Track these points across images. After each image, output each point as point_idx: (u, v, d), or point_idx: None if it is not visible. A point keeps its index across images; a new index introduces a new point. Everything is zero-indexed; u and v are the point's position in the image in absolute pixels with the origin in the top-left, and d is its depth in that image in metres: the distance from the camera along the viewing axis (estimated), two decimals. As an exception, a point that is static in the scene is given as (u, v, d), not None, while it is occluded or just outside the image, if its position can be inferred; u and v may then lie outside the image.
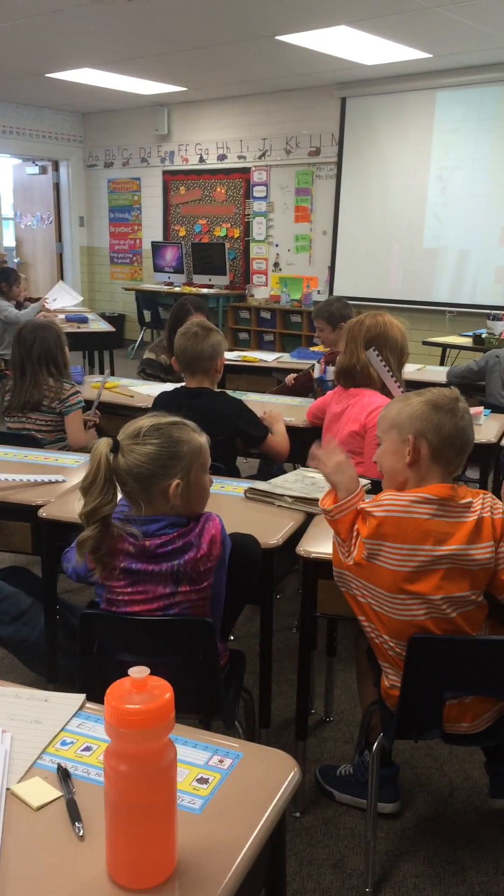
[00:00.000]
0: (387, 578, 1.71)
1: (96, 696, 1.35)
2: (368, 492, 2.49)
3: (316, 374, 3.75)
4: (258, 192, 8.88)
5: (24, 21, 5.79)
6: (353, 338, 2.79)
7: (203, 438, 1.77)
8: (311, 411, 3.24)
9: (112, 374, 4.66)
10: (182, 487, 1.68)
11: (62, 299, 6.91)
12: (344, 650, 2.85)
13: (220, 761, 1.19)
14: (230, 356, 4.70)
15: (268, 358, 4.95)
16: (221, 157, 9.09)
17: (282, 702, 2.60)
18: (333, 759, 2.37)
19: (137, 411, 3.62)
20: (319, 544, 2.06)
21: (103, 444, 1.66)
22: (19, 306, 6.13)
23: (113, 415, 3.82)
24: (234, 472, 2.98)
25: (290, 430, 3.47)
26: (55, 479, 2.50)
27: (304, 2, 5.22)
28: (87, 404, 3.48)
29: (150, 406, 3.32)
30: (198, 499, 1.76)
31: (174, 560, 1.67)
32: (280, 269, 8.90)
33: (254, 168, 8.84)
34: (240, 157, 8.93)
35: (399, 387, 2.77)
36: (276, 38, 6.09)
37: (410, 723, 1.78)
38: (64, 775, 1.14)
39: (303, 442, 3.49)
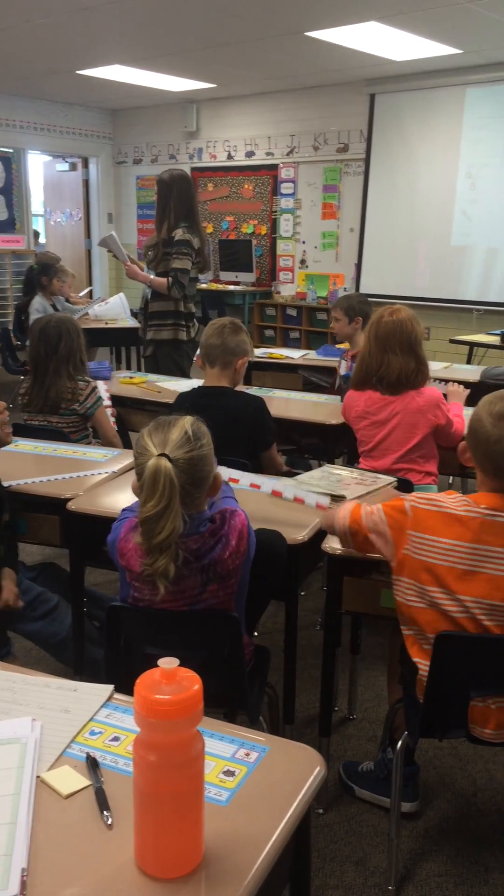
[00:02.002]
0: (429, 572, 1.70)
1: (122, 688, 1.37)
2: (396, 488, 2.50)
3: (342, 371, 3.75)
4: (286, 188, 8.87)
5: (55, 18, 5.82)
6: (407, 344, 2.74)
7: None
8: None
9: (139, 369, 4.69)
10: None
11: (112, 310, 6.63)
12: (367, 648, 2.85)
13: (247, 754, 1.20)
14: (256, 352, 4.71)
15: (294, 355, 4.95)
16: (249, 154, 9.09)
17: (305, 698, 2.61)
18: (357, 757, 2.37)
19: (163, 407, 3.64)
20: (345, 541, 2.06)
21: (163, 463, 1.55)
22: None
23: (139, 410, 3.85)
24: (258, 469, 2.98)
25: (315, 427, 3.48)
26: (101, 472, 2.56)
27: (334, -2, 5.20)
28: (112, 400, 3.49)
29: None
30: (219, 485, 1.77)
31: (204, 560, 1.67)
32: (307, 267, 8.88)
33: (282, 165, 8.83)
34: (268, 154, 8.92)
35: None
36: (306, 34, 6.08)
37: (435, 721, 1.78)
38: (93, 764, 1.16)
39: (328, 439, 3.50)
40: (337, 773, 2.26)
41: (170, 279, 4.36)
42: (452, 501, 1.70)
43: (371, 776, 2.21)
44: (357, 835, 2.07)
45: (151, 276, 4.45)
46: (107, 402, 3.34)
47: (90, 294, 6.45)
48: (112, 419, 3.33)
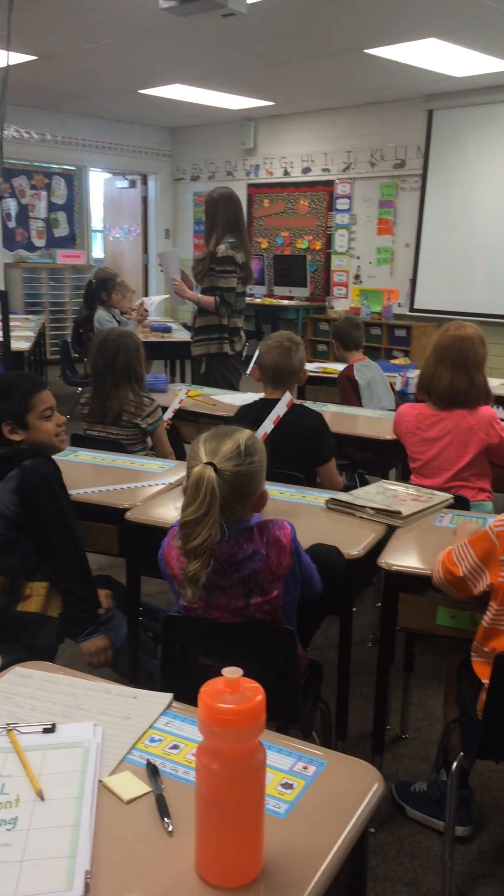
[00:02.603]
0: None
1: (178, 697, 1.39)
2: (451, 507, 2.48)
3: (398, 386, 3.74)
4: (341, 204, 8.90)
5: (119, 39, 5.97)
6: (462, 361, 2.71)
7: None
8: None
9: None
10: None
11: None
12: (421, 666, 2.82)
13: (305, 768, 1.20)
14: (310, 367, 4.73)
15: (348, 370, 4.93)
16: (306, 171, 9.14)
17: (356, 715, 2.59)
18: (409, 777, 2.34)
19: (219, 420, 3.67)
20: (401, 557, 2.05)
21: (208, 472, 1.57)
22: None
23: (195, 423, 3.89)
24: (313, 484, 2.98)
25: (369, 442, 3.47)
26: (157, 483, 2.60)
27: (394, 15, 5.22)
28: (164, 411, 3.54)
29: (231, 415, 3.36)
30: (264, 501, 1.77)
31: (244, 570, 1.68)
32: (361, 282, 8.88)
33: (338, 181, 8.86)
34: (324, 170, 8.96)
35: None
36: (365, 51, 6.11)
37: (494, 742, 1.75)
38: (153, 771, 1.17)
39: (381, 455, 3.48)
40: (389, 792, 2.24)
41: (217, 299, 4.50)
42: None
43: (424, 797, 2.18)
44: (409, 855, 2.04)
45: (198, 295, 4.58)
46: (169, 415, 3.38)
47: (142, 307, 6.57)
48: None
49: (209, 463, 1.59)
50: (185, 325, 7.22)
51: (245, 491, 1.65)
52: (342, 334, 4.26)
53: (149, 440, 3.31)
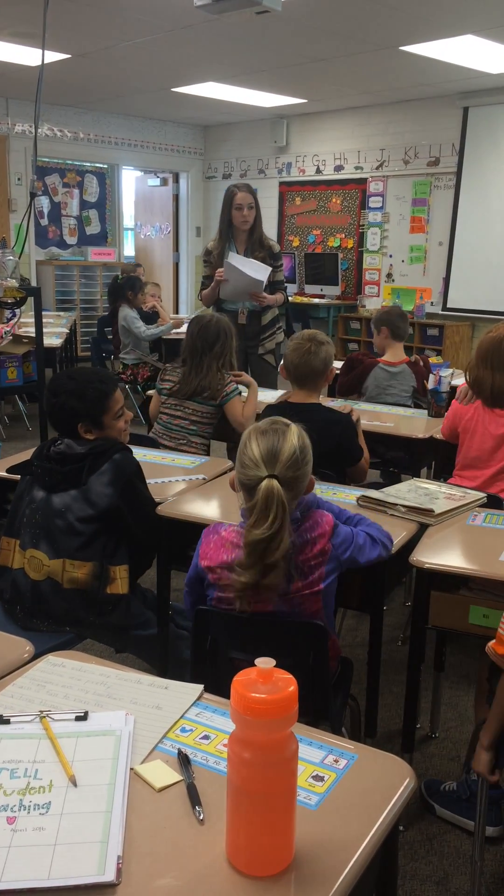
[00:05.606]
0: None
1: (208, 689, 1.39)
2: (484, 505, 2.45)
3: (430, 385, 3.70)
4: (374, 202, 8.85)
5: (154, 37, 5.99)
6: (502, 361, 2.70)
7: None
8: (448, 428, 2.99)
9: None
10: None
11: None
12: (451, 666, 2.80)
13: (336, 761, 1.20)
14: (339, 366, 4.70)
15: (379, 368, 4.90)
16: (338, 168, 9.11)
17: (386, 714, 2.58)
18: (438, 776, 2.32)
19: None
20: (433, 555, 2.03)
21: (276, 487, 1.58)
22: (146, 316, 6.33)
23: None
24: (344, 480, 2.97)
25: (401, 440, 3.44)
26: (188, 478, 2.63)
27: (431, 12, 5.18)
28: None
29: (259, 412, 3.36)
30: (312, 487, 1.81)
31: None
32: (393, 280, 8.83)
33: (370, 179, 8.82)
34: (357, 168, 8.92)
35: None
36: (401, 48, 6.07)
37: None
38: (184, 760, 1.18)
39: (413, 453, 3.46)
40: (418, 790, 2.23)
41: (284, 293, 4.75)
42: None
43: (453, 796, 2.16)
44: (438, 854, 2.03)
45: (274, 297, 4.68)
46: None
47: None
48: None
49: (273, 475, 1.61)
50: None
51: (301, 487, 1.71)
52: (388, 321, 4.03)
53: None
